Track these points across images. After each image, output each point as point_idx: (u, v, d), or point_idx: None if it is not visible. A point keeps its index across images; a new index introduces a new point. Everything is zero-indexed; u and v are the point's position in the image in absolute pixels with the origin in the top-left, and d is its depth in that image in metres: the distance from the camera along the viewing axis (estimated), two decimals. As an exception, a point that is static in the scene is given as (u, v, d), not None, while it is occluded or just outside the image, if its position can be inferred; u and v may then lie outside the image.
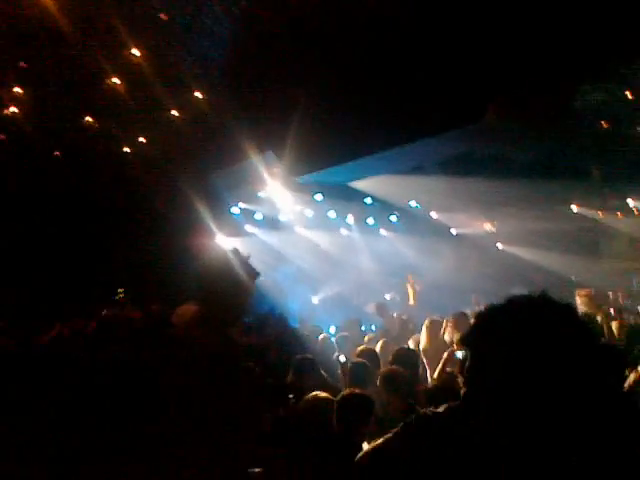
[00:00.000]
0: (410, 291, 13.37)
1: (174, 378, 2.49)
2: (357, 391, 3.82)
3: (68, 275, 9.94)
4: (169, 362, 2.59)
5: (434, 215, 15.12)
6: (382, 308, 10.19)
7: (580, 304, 6.93)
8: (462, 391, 1.35)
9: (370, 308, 11.28)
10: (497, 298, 1.38)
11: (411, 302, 13.28)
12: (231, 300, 2.59)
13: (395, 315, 10.15)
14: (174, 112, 8.04)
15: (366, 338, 7.79)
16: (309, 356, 5.48)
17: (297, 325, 9.60)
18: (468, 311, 9.45)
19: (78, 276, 10.09)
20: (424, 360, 6.04)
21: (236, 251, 2.70)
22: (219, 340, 2.58)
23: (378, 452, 1.43)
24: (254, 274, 2.67)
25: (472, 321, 1.36)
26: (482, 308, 1.38)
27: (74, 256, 10.16)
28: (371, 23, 5.82)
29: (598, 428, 1.18)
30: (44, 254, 9.84)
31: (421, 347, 6.49)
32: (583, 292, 7.34)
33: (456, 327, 6.62)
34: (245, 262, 2.68)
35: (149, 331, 3.73)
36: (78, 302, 9.58)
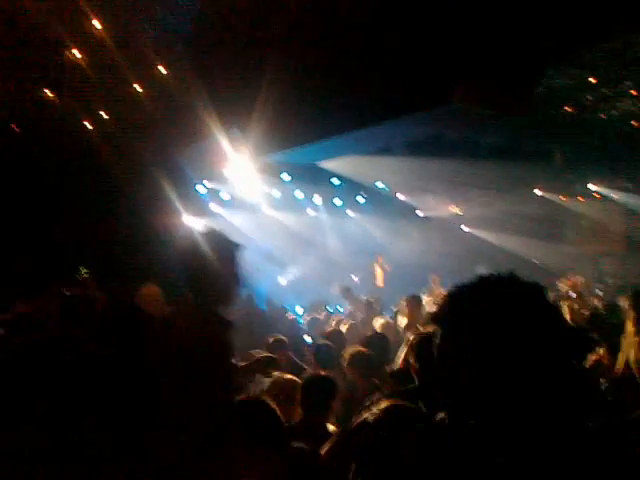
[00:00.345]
0: (379, 272, 13.51)
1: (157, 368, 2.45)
2: (321, 373, 3.83)
3: (26, 253, 9.70)
4: (150, 352, 2.55)
5: (400, 196, 15.20)
6: (346, 291, 10.22)
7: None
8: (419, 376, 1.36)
9: (334, 289, 11.35)
10: (460, 278, 1.39)
11: (379, 283, 13.46)
12: (220, 280, 2.61)
13: (362, 297, 10.20)
14: (137, 87, 7.84)
15: (333, 321, 7.80)
16: (281, 337, 5.47)
17: (264, 306, 9.58)
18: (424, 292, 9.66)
19: (37, 254, 9.86)
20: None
21: (212, 230, 2.70)
22: (211, 323, 2.60)
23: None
24: (236, 248, 2.68)
25: (443, 300, 1.35)
26: (442, 288, 1.39)
27: (31, 234, 9.92)
28: (339, 3, 5.75)
29: (560, 407, 1.22)
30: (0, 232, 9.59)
31: (403, 325, 6.47)
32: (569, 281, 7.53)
33: (410, 310, 6.62)
34: (225, 239, 2.68)
35: (118, 314, 3.62)
36: (37, 281, 9.39)
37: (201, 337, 2.53)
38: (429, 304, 7.79)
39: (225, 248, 2.66)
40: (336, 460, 2.62)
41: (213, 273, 2.60)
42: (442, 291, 10.90)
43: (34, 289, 9.02)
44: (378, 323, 6.79)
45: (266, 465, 2.47)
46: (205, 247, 2.61)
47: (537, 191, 14.61)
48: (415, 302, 6.75)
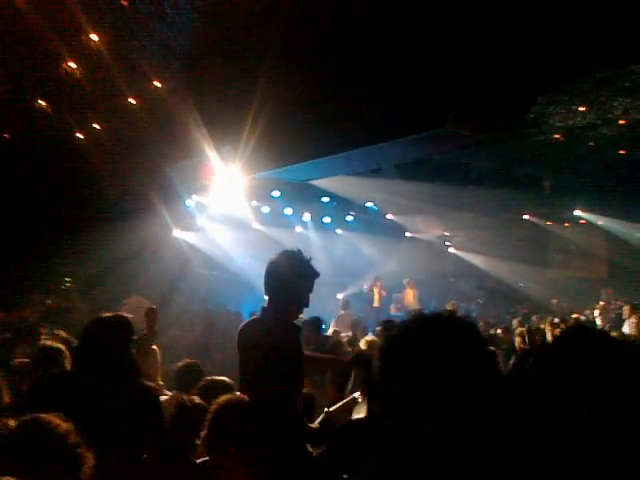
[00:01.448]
0: (376, 295, 13.73)
1: None
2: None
3: (10, 263, 9.63)
4: None
5: (390, 217, 15.28)
6: (346, 303, 10.31)
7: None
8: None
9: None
10: (443, 296, 1.51)
11: (376, 304, 13.67)
12: (296, 294, 3.05)
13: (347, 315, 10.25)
14: (131, 100, 7.84)
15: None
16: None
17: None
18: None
19: (20, 265, 9.80)
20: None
21: (300, 252, 3.10)
22: (282, 328, 3.01)
23: None
24: (314, 274, 3.10)
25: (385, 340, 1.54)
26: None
27: (18, 243, 9.84)
28: (335, 24, 5.80)
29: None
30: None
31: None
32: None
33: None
34: (307, 263, 3.08)
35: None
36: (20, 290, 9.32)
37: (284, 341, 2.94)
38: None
39: (308, 270, 3.07)
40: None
41: (296, 290, 3.04)
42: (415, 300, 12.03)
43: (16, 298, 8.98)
44: (364, 341, 6.80)
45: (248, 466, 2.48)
46: (294, 267, 3.02)
47: (525, 216, 14.75)
48: (390, 327, 6.80)
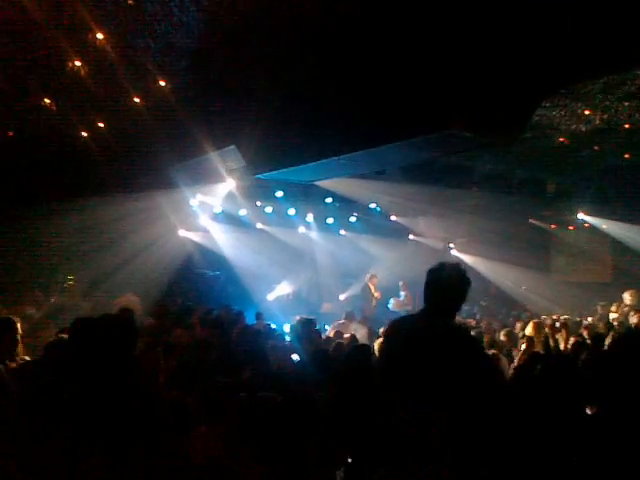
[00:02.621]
0: (374, 291, 13.84)
1: None
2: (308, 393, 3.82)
3: (14, 261, 9.67)
4: None
5: (393, 218, 15.29)
6: (351, 315, 10.34)
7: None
8: None
9: (326, 308, 11.48)
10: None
11: (373, 301, 13.78)
12: (456, 298, 3.24)
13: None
14: (136, 99, 7.85)
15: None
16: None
17: (253, 322, 9.55)
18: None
19: (25, 261, 9.83)
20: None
21: (459, 264, 3.37)
22: (444, 327, 3.17)
23: None
24: (469, 282, 3.28)
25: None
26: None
27: (21, 240, 9.88)
28: (340, 24, 5.81)
29: None
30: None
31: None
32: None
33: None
34: (465, 272, 3.29)
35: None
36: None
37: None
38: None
39: (466, 281, 3.27)
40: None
41: (458, 297, 3.25)
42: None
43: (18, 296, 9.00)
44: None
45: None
46: (460, 277, 3.25)
47: (529, 219, 14.71)
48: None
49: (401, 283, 13.70)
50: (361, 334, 8.39)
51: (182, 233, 12.83)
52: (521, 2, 4.99)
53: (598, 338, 6.75)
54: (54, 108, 8.02)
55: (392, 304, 13.58)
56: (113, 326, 3.03)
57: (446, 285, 3.21)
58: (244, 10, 5.83)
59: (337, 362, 5.20)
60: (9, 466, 2.20)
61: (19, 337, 4.50)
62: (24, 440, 2.37)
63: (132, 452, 2.59)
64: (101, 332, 2.98)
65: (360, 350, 5.10)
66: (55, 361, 3.22)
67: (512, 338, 7.89)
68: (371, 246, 15.04)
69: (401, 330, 3.30)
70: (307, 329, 7.47)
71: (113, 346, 2.92)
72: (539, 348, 6.61)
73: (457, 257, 15.94)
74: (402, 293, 13.68)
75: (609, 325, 8.42)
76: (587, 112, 8.06)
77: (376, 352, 5.84)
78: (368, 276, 13.78)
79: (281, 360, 6.01)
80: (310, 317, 8.64)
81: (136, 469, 2.59)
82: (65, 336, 4.24)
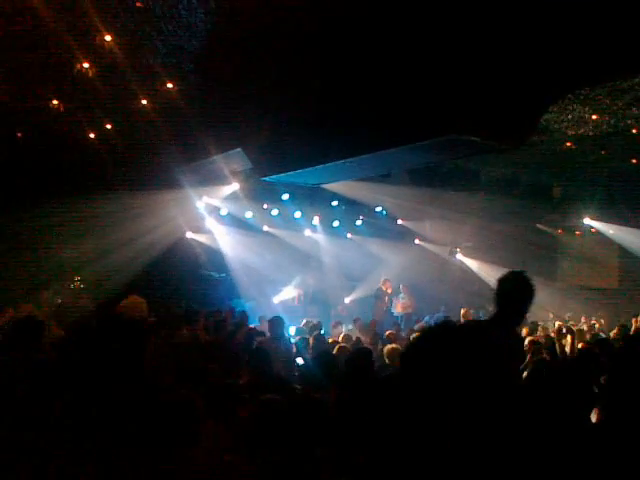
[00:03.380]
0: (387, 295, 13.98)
1: None
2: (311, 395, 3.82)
3: (22, 262, 9.71)
4: None
5: (400, 222, 15.27)
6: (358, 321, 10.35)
7: None
8: None
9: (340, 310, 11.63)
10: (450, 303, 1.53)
11: (385, 303, 13.91)
12: (519, 306, 3.38)
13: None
14: (143, 101, 7.88)
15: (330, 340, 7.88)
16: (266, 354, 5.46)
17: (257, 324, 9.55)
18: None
19: (31, 261, 9.87)
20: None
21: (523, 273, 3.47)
22: (509, 335, 3.35)
23: None
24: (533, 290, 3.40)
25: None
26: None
27: (29, 241, 9.92)
28: (347, 28, 5.82)
29: None
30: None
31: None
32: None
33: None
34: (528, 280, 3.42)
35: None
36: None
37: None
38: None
39: (527, 287, 3.39)
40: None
41: (523, 305, 3.38)
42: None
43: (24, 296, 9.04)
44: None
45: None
46: (524, 285, 3.40)
47: (535, 224, 14.66)
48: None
49: (401, 286, 13.86)
50: (350, 336, 8.40)
51: (188, 235, 12.87)
52: (528, 6, 4.99)
53: (604, 343, 6.71)
54: (62, 110, 8.06)
55: (395, 307, 13.62)
56: (121, 327, 3.05)
57: (518, 294, 3.37)
58: (251, 13, 5.85)
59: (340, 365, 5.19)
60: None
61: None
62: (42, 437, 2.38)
63: (140, 449, 2.61)
64: (110, 332, 3.00)
65: (360, 354, 5.10)
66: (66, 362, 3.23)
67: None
68: (377, 249, 15.03)
69: (477, 341, 3.24)
70: (312, 332, 7.48)
71: (124, 346, 2.94)
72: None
73: (463, 261, 15.92)
74: (402, 295, 13.79)
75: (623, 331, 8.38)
76: (594, 117, 8.04)
77: (387, 356, 5.88)
78: (382, 280, 13.81)
79: (285, 363, 6.01)
80: (315, 320, 8.64)
81: (143, 466, 2.60)
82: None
